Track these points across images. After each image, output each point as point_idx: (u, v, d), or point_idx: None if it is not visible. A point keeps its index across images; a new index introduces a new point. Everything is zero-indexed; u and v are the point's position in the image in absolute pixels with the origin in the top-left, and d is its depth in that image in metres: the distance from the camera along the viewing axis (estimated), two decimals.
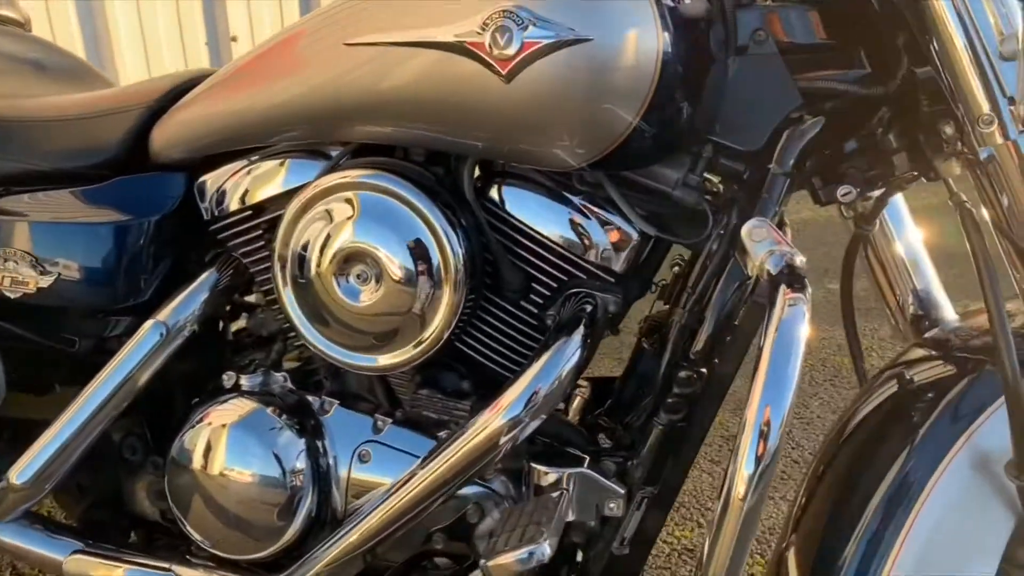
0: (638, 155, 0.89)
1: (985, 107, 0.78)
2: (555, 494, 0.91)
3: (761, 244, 0.85)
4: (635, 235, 0.96)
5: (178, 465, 1.06)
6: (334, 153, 1.01)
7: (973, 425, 0.90)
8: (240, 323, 1.21)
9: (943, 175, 0.93)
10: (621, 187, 0.96)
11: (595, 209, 0.97)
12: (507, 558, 0.81)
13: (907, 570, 0.87)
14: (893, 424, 0.96)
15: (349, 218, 0.94)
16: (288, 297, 0.99)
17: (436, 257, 0.92)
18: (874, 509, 0.90)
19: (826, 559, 0.90)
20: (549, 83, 0.80)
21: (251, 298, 1.18)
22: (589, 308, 0.97)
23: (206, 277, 1.09)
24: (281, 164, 1.04)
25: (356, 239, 0.93)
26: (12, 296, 1.09)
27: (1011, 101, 0.79)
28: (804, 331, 0.72)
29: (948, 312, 1.12)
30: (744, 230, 0.85)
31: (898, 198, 1.08)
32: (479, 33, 0.80)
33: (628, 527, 0.95)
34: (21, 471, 1.06)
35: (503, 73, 0.80)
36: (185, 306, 1.07)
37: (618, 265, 0.97)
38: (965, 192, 0.94)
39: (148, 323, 1.06)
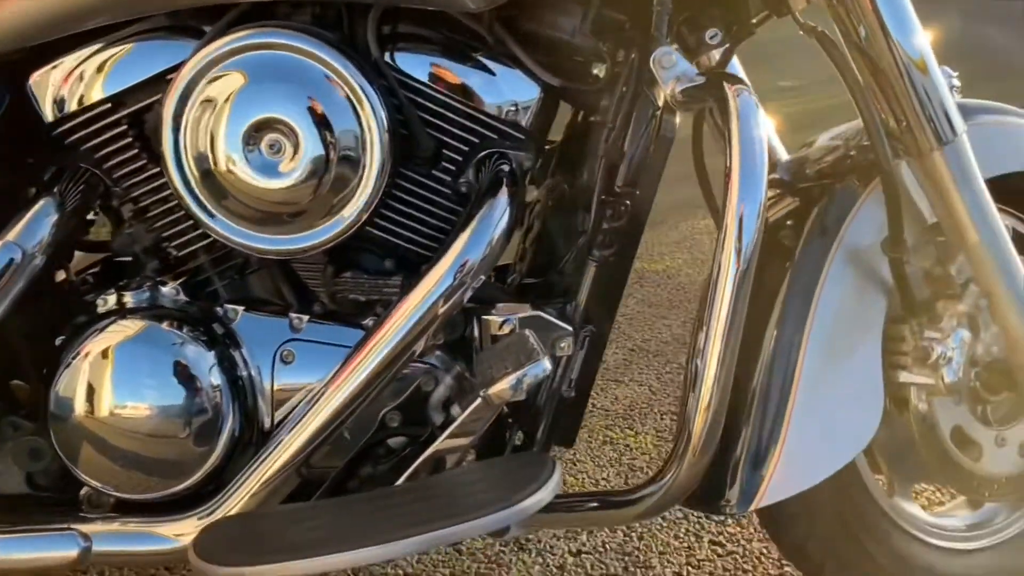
0: (558, 7, 0.90)
1: None
2: (516, 334, 0.90)
3: (670, 70, 0.91)
4: (538, 89, 0.98)
5: (63, 411, 0.90)
6: (205, 28, 0.91)
7: (841, 230, 1.04)
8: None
9: (793, 9, 1.04)
10: (521, 42, 0.96)
11: (499, 66, 0.96)
12: (507, 382, 0.80)
13: (811, 371, 0.98)
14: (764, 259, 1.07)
15: (254, 85, 0.85)
16: (187, 190, 0.88)
17: (360, 118, 0.87)
18: (773, 335, 1.00)
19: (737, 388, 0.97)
20: None
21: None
22: (506, 168, 0.97)
23: (55, 192, 0.93)
24: (138, 47, 0.92)
25: (267, 105, 0.85)
26: None
27: None
28: (762, 120, 0.78)
29: (782, 154, 1.26)
30: (653, 58, 0.90)
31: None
32: None
33: (573, 368, 0.98)
34: None
35: None
36: (36, 225, 0.91)
37: (526, 120, 0.98)
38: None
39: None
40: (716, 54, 1.03)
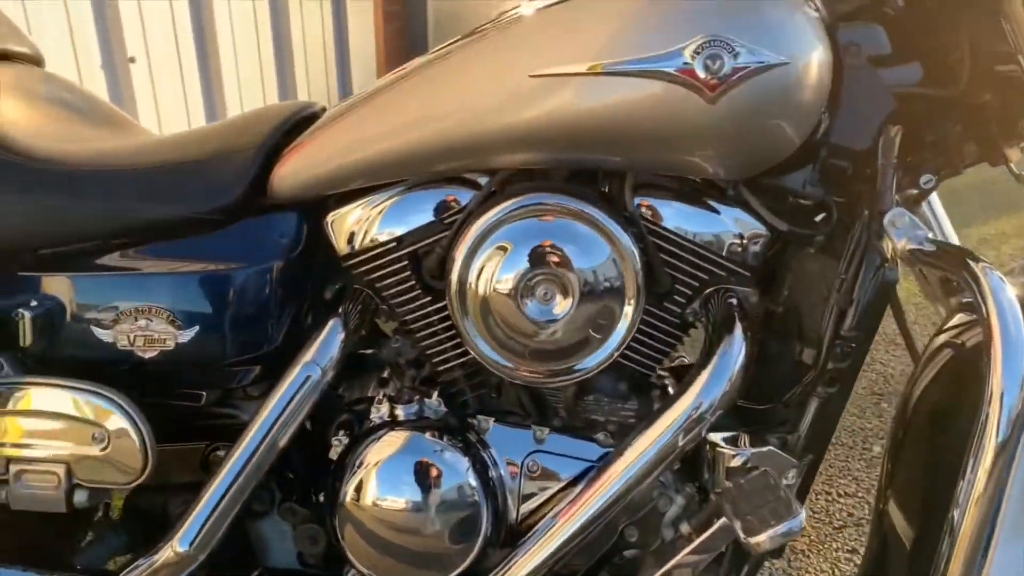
0: (792, 162, 0.99)
1: None
2: (760, 472, 1.00)
3: (902, 230, 0.99)
4: (766, 231, 1.07)
5: (354, 508, 1.05)
6: (482, 181, 1.04)
7: None
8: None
9: (1010, 159, 1.10)
10: (753, 189, 1.06)
11: (730, 208, 1.06)
12: (769, 534, 0.89)
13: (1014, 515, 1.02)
14: (964, 386, 1.11)
15: (530, 241, 0.98)
16: (468, 324, 1.01)
17: (621, 269, 0.98)
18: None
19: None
20: (751, 105, 0.89)
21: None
22: (735, 302, 1.06)
23: (340, 313, 1.08)
24: (418, 196, 1.06)
25: (542, 261, 0.97)
26: (146, 356, 1.03)
27: None
28: (1014, 298, 0.85)
29: None
30: (888, 219, 0.98)
31: None
32: (689, 61, 0.87)
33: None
34: (182, 537, 1.00)
35: (709, 96, 0.88)
36: (329, 344, 1.06)
37: (752, 259, 1.07)
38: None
39: (298, 366, 1.04)
40: None
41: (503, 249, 0.99)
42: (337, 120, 1.05)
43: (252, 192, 1.06)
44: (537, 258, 0.98)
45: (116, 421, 1.00)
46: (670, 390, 1.11)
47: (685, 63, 0.87)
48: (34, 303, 1.02)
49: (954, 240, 1.33)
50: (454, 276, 1.00)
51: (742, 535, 0.90)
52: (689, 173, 0.99)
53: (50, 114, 1.16)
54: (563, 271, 0.98)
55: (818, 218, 1.08)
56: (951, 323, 1.21)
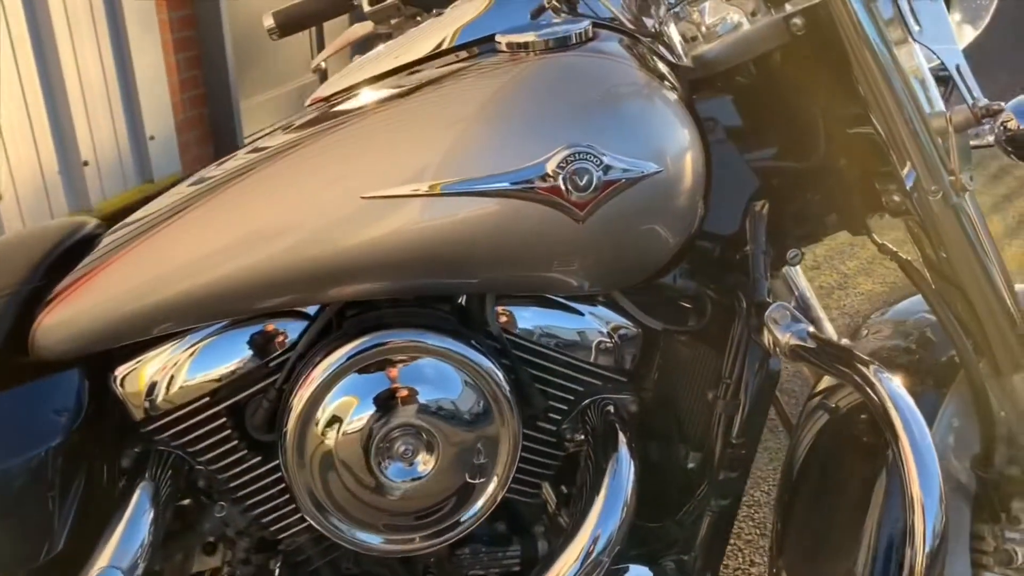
0: (669, 266, 0.88)
1: (931, 178, 0.91)
2: None
3: (784, 325, 0.91)
4: (639, 332, 0.96)
5: None
6: (310, 311, 0.85)
7: None
8: None
9: (871, 231, 1.06)
10: (623, 290, 0.95)
11: (598, 312, 0.94)
12: None
13: None
14: (841, 447, 1.07)
15: (386, 389, 0.81)
16: (305, 489, 0.82)
17: (489, 400, 0.83)
18: (872, 532, 1.00)
19: None
20: (624, 218, 0.77)
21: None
22: (613, 413, 0.95)
23: (142, 493, 0.86)
24: (237, 335, 0.86)
25: (399, 411, 0.80)
26: None
27: (951, 172, 0.92)
28: (911, 403, 0.78)
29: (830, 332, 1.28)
30: (768, 315, 0.90)
31: None
32: (551, 177, 0.73)
33: None
34: None
35: (578, 214, 0.75)
36: (132, 537, 0.84)
37: (628, 364, 0.96)
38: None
39: (93, 570, 0.81)
40: None
41: (348, 404, 0.81)
42: (122, 253, 0.82)
43: (7, 352, 0.82)
44: (391, 410, 0.81)
45: None
46: (561, 520, 0.97)
47: (547, 179, 0.74)
48: None
49: (815, 304, 1.30)
50: (289, 440, 0.81)
51: None
52: (555, 292, 0.86)
53: None
54: (424, 419, 0.81)
55: (691, 312, 0.99)
56: (820, 387, 1.17)
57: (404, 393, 0.81)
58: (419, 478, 0.82)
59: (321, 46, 5.70)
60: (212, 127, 4.07)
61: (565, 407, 0.94)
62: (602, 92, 0.76)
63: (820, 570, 1.03)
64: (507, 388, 0.84)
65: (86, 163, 3.10)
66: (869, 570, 0.97)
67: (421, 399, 0.81)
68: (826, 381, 1.16)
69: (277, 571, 0.91)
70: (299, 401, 0.81)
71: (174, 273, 0.80)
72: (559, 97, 0.75)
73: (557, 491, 1.00)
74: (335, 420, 0.81)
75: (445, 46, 0.86)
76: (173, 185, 0.92)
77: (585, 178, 0.73)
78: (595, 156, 0.73)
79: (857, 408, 1.09)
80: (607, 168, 0.74)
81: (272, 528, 0.91)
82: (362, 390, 0.81)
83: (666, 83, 0.81)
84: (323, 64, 1.42)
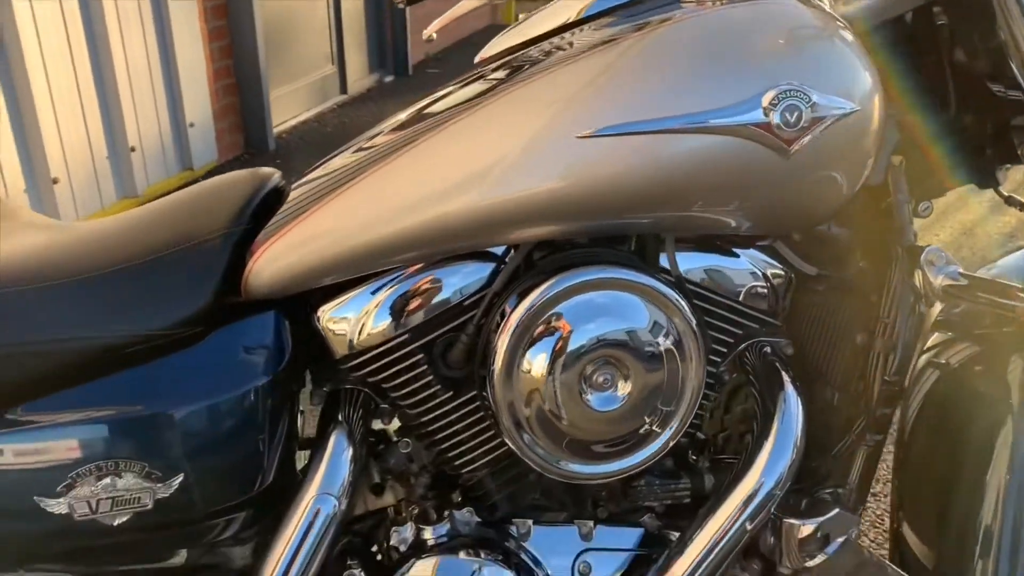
0: (836, 212, 0.93)
1: None
2: (844, 543, 0.93)
3: (939, 267, 0.96)
4: (793, 277, 1.01)
5: None
6: (498, 253, 0.90)
7: None
8: None
9: (999, 183, 1.11)
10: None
11: (757, 259, 0.99)
12: None
13: None
14: (962, 402, 1.11)
15: (585, 323, 0.85)
16: (511, 420, 0.86)
17: (681, 336, 0.88)
18: (1003, 479, 1.04)
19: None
20: (823, 156, 0.81)
21: None
22: (771, 354, 0.99)
23: (341, 424, 0.90)
24: (433, 277, 0.90)
25: (599, 342, 0.85)
26: (115, 522, 0.79)
27: None
28: None
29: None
30: (924, 257, 0.95)
31: None
32: (764, 114, 0.78)
33: None
34: None
35: (787, 150, 0.80)
36: (336, 465, 0.88)
37: (782, 308, 1.01)
38: None
39: (306, 500, 0.85)
40: None
41: (553, 336, 0.85)
42: (327, 199, 0.86)
43: (223, 294, 0.86)
44: (590, 343, 0.85)
45: None
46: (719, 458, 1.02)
47: (761, 116, 0.78)
48: None
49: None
50: (498, 369, 0.85)
51: None
52: (744, 231, 0.91)
53: None
54: (623, 350, 0.86)
55: (843, 258, 1.04)
56: (930, 343, 1.22)
57: (602, 326, 0.85)
58: (618, 407, 0.86)
59: (340, 40, 5.73)
60: (244, 116, 4.10)
61: (725, 349, 0.99)
62: (804, 33, 0.81)
63: (946, 520, 1.06)
64: (695, 322, 0.88)
65: (133, 149, 3.13)
66: (1000, 519, 1.02)
67: (617, 331, 0.85)
68: (935, 339, 1.21)
69: (466, 512, 0.95)
70: (504, 338, 0.85)
71: (385, 214, 0.84)
72: (766, 38, 0.80)
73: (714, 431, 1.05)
74: (539, 355, 0.85)
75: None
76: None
77: (795, 115, 0.78)
78: (804, 94, 0.78)
79: (972, 360, 1.14)
80: (815, 106, 0.79)
81: (456, 462, 0.95)
82: (564, 325, 0.85)
83: (847, 27, 0.86)
84: (434, 35, 1.45)
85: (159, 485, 0.80)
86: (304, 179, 0.95)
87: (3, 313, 0.78)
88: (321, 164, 0.97)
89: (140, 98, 3.16)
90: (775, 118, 0.78)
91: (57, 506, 0.78)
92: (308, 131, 4.85)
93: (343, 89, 5.65)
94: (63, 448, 0.78)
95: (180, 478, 0.81)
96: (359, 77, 5.94)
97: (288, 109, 4.69)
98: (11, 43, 2.62)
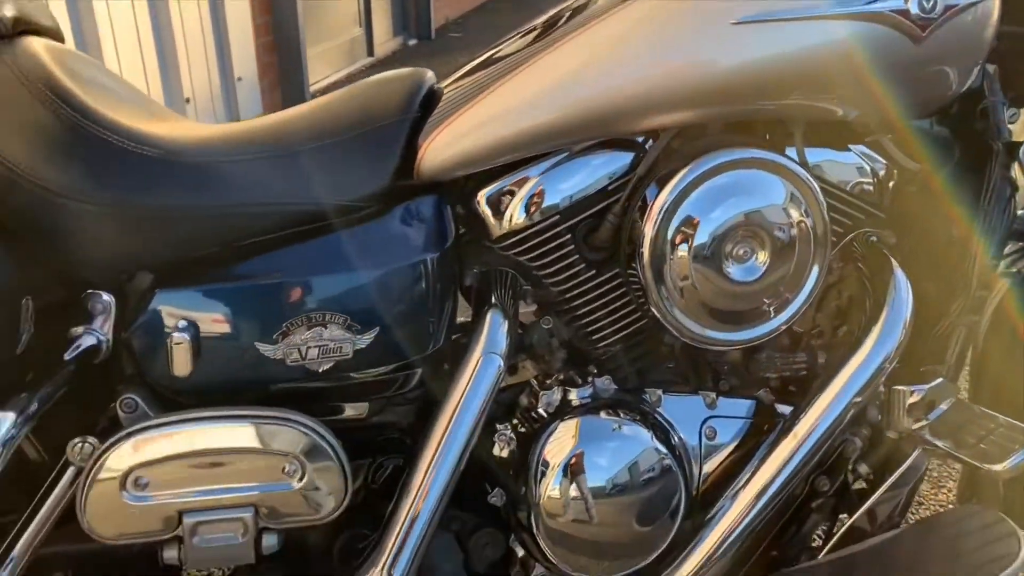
0: (944, 105, 1.02)
1: None
2: (956, 403, 1.03)
3: None
4: (895, 171, 1.10)
5: (554, 504, 0.97)
6: (645, 143, 0.98)
7: None
8: None
9: None
10: (888, 131, 1.08)
11: (868, 155, 1.08)
12: (1014, 459, 0.92)
13: None
14: None
15: (727, 200, 0.94)
16: (666, 296, 0.95)
17: (813, 219, 0.96)
18: None
19: None
20: (951, 45, 0.90)
21: None
22: (878, 242, 1.08)
23: (496, 300, 0.99)
24: (581, 163, 0.99)
25: (741, 219, 0.94)
26: (320, 368, 0.89)
27: None
28: None
29: None
30: (1022, 151, 1.04)
31: None
32: (903, 1, 0.86)
33: None
34: (393, 563, 0.89)
35: (920, 37, 0.88)
36: (496, 332, 0.97)
37: (886, 201, 1.10)
38: None
39: (475, 358, 0.94)
40: None
41: (700, 212, 0.94)
42: (490, 90, 0.95)
43: (398, 175, 0.95)
44: (738, 217, 0.94)
45: (311, 448, 0.86)
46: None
47: (901, 2, 0.87)
48: (182, 324, 0.85)
49: None
50: (647, 246, 0.94)
51: (977, 463, 0.93)
52: (870, 115, 0.99)
53: (108, 101, 0.97)
54: (762, 226, 0.95)
55: (943, 155, 1.12)
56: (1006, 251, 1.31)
57: (742, 203, 0.94)
58: (754, 278, 0.96)
59: (367, 3, 5.78)
60: (282, 74, 4.17)
61: (835, 238, 1.08)
62: None
63: None
64: (824, 202, 0.97)
65: (188, 100, 3.21)
66: None
67: (758, 207, 0.94)
68: (1009, 248, 1.30)
69: (605, 379, 1.04)
70: (652, 217, 0.94)
71: (545, 100, 0.93)
72: None
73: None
74: (686, 231, 0.94)
75: None
76: None
77: (931, 2, 0.87)
78: None
79: None
80: None
81: (594, 337, 1.04)
82: (710, 202, 0.94)
83: None
84: None
85: (358, 337, 0.90)
86: (456, 77, 1.04)
87: (223, 179, 0.87)
88: (469, 65, 1.05)
89: (193, 53, 3.24)
90: (912, 6, 0.87)
91: (273, 352, 0.88)
92: None
93: (370, 51, 5.71)
94: (279, 300, 0.88)
95: (375, 332, 0.91)
96: (384, 40, 5.99)
97: (319, 70, 4.75)
98: (84, 11, 2.71)
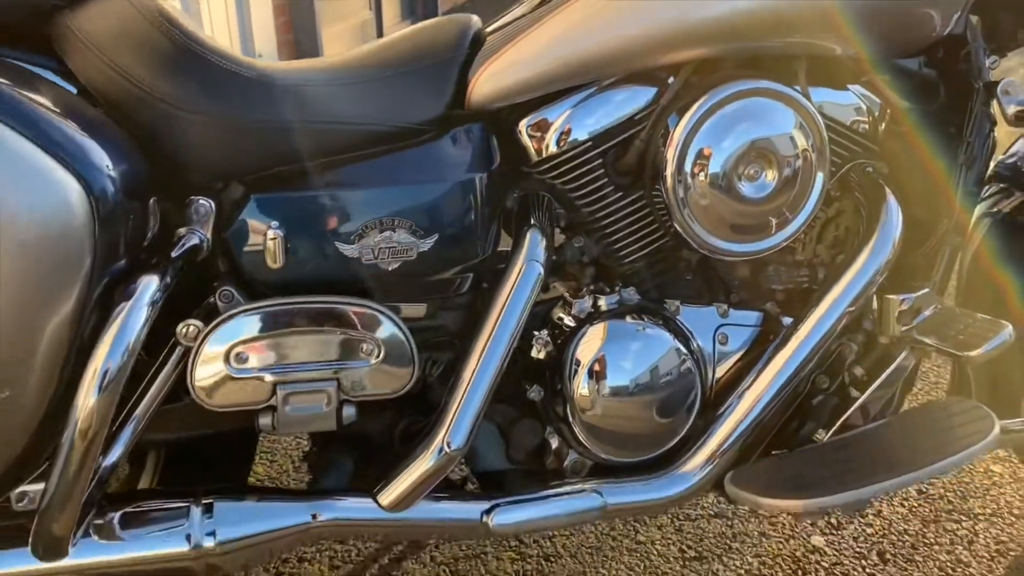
0: (927, 46, 1.16)
1: None
2: (942, 306, 1.17)
3: (1013, 96, 1.19)
4: (887, 109, 1.23)
5: (588, 397, 1.11)
6: (666, 77, 1.12)
7: None
8: None
9: None
10: (880, 72, 1.22)
11: (863, 93, 1.21)
12: (986, 346, 1.06)
13: None
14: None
15: (741, 125, 1.08)
16: (687, 213, 1.09)
17: (815, 141, 1.10)
18: None
19: None
20: None
21: None
22: (874, 174, 1.22)
23: (534, 220, 1.12)
24: (609, 96, 1.12)
25: (753, 142, 1.08)
26: (389, 268, 1.03)
27: None
28: None
29: None
30: (1001, 87, 1.18)
31: None
32: None
33: None
34: (452, 434, 1.03)
35: None
36: (535, 246, 1.11)
37: (880, 135, 1.23)
38: None
39: (518, 265, 1.08)
40: None
41: (716, 137, 1.07)
42: (533, 29, 1.09)
43: (454, 103, 1.09)
44: (750, 141, 1.08)
45: (386, 331, 1.00)
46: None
47: None
48: (274, 225, 0.99)
49: None
50: (669, 169, 1.08)
51: (956, 351, 1.07)
52: (864, 52, 1.13)
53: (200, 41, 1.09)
54: (772, 149, 1.08)
55: (929, 93, 1.26)
56: (985, 193, 1.45)
57: (754, 128, 1.08)
58: (764, 194, 1.09)
59: None
60: (299, 52, 4.30)
61: (833, 168, 1.22)
62: None
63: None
64: (825, 134, 1.11)
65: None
66: None
67: (767, 133, 1.08)
68: (991, 190, 1.45)
69: (630, 289, 1.18)
70: (674, 143, 1.07)
71: (585, 37, 1.06)
72: None
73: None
74: (704, 154, 1.07)
75: None
76: None
77: None
78: None
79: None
80: None
81: (620, 253, 1.18)
82: (726, 127, 1.08)
83: None
84: None
85: (421, 241, 1.04)
86: (497, 22, 1.17)
87: (308, 100, 1.01)
88: (509, 14, 1.19)
89: (218, 31, 3.38)
90: None
91: (351, 251, 1.02)
92: None
93: (380, 33, 5.83)
94: (356, 206, 1.02)
95: (435, 237, 1.04)
96: (393, 23, 6.10)
97: (333, 49, 4.88)
98: None
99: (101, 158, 0.85)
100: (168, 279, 0.92)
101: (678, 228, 1.11)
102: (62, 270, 0.80)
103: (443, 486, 1.08)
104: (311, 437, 1.18)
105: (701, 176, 1.08)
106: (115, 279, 0.86)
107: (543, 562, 1.47)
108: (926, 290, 1.20)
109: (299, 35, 4.27)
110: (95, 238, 0.81)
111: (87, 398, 0.82)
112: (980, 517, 1.57)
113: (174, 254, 0.95)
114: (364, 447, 1.13)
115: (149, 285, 0.88)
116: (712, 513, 1.58)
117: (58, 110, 0.85)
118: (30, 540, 0.88)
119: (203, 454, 1.16)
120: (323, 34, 4.44)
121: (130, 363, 0.84)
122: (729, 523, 1.56)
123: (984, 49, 1.21)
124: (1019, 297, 1.37)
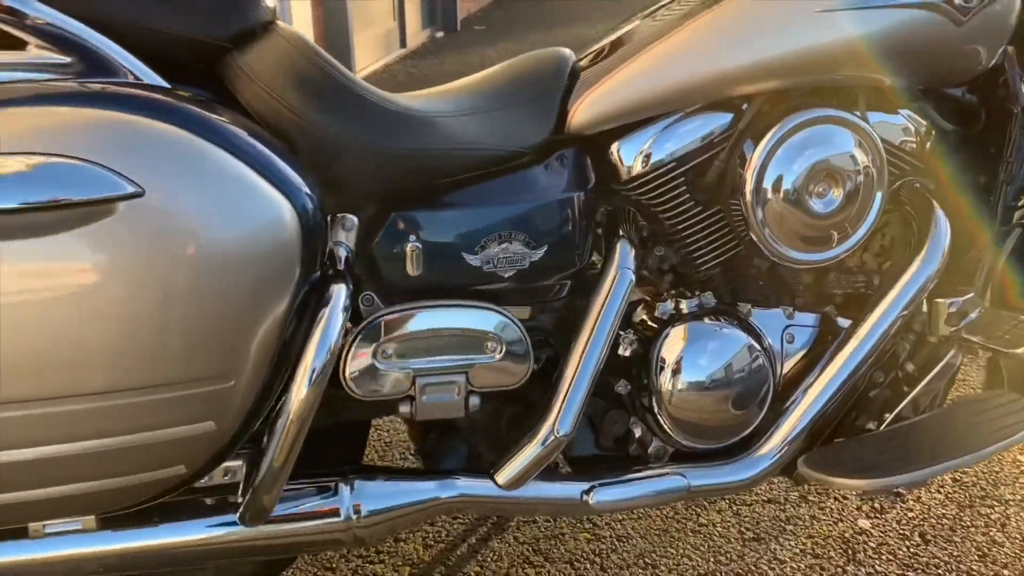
0: (972, 76, 1.30)
1: None
2: (985, 309, 1.31)
3: None
4: (934, 131, 1.37)
5: (674, 390, 1.25)
6: (744, 106, 1.26)
7: None
8: None
9: None
10: (928, 98, 1.36)
11: (912, 117, 1.35)
12: None
13: None
14: None
15: (811, 150, 1.22)
16: (766, 228, 1.23)
17: (875, 163, 1.24)
18: None
19: None
20: (984, 28, 1.18)
21: None
22: (923, 191, 1.36)
23: (623, 233, 1.27)
24: (693, 122, 1.26)
25: (821, 164, 1.22)
26: (505, 275, 1.17)
27: None
28: None
29: None
30: None
31: None
32: None
33: None
34: (561, 421, 1.17)
35: (961, 20, 1.16)
36: (626, 257, 1.25)
37: (927, 155, 1.37)
38: None
39: (612, 272, 1.22)
40: None
41: (788, 159, 1.22)
42: (624, 65, 1.23)
43: (556, 129, 1.23)
44: (819, 162, 1.22)
45: (507, 330, 1.14)
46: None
47: None
48: (412, 238, 1.13)
49: None
50: (747, 188, 1.22)
51: (1004, 349, 1.21)
52: (920, 83, 1.27)
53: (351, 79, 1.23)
54: (838, 169, 1.23)
55: (972, 118, 1.40)
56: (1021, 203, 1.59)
57: (822, 151, 1.22)
58: (831, 210, 1.24)
59: (401, 2, 6.05)
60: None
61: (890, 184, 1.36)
62: None
63: None
64: (883, 150, 1.25)
65: None
66: None
67: (833, 155, 1.22)
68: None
69: (708, 294, 1.32)
70: (752, 165, 1.22)
71: (673, 71, 1.20)
72: None
73: None
74: (777, 174, 1.22)
75: None
76: None
77: None
78: None
79: None
80: None
81: (698, 262, 1.32)
82: (799, 150, 1.22)
83: None
84: None
85: (533, 252, 1.18)
86: (589, 53, 1.32)
87: (439, 130, 1.16)
88: (596, 48, 1.33)
89: None
90: None
91: (474, 260, 1.16)
92: (381, 80, 5.20)
93: (403, 43, 5.98)
94: (480, 220, 1.17)
95: (544, 248, 1.19)
96: (415, 32, 6.26)
97: (362, 58, 5.03)
98: None
99: (299, 179, 0.99)
100: (351, 287, 1.06)
101: (754, 239, 1.25)
102: (276, 278, 0.94)
103: (545, 469, 1.22)
104: (424, 426, 1.32)
105: (776, 194, 1.22)
106: (312, 287, 1.00)
107: (616, 542, 1.61)
108: (971, 295, 1.34)
109: (332, 45, 4.42)
110: (301, 251, 0.95)
111: (300, 391, 0.96)
112: (1011, 503, 1.71)
113: (341, 266, 1.08)
114: (479, 434, 1.28)
115: (341, 292, 1.02)
116: (766, 499, 1.72)
117: (258, 138, 0.99)
118: (240, 510, 1.03)
119: (320, 442, 1.30)
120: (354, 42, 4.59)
121: (332, 361, 0.99)
122: (782, 508, 1.70)
123: (1021, 76, 1.36)
124: None
